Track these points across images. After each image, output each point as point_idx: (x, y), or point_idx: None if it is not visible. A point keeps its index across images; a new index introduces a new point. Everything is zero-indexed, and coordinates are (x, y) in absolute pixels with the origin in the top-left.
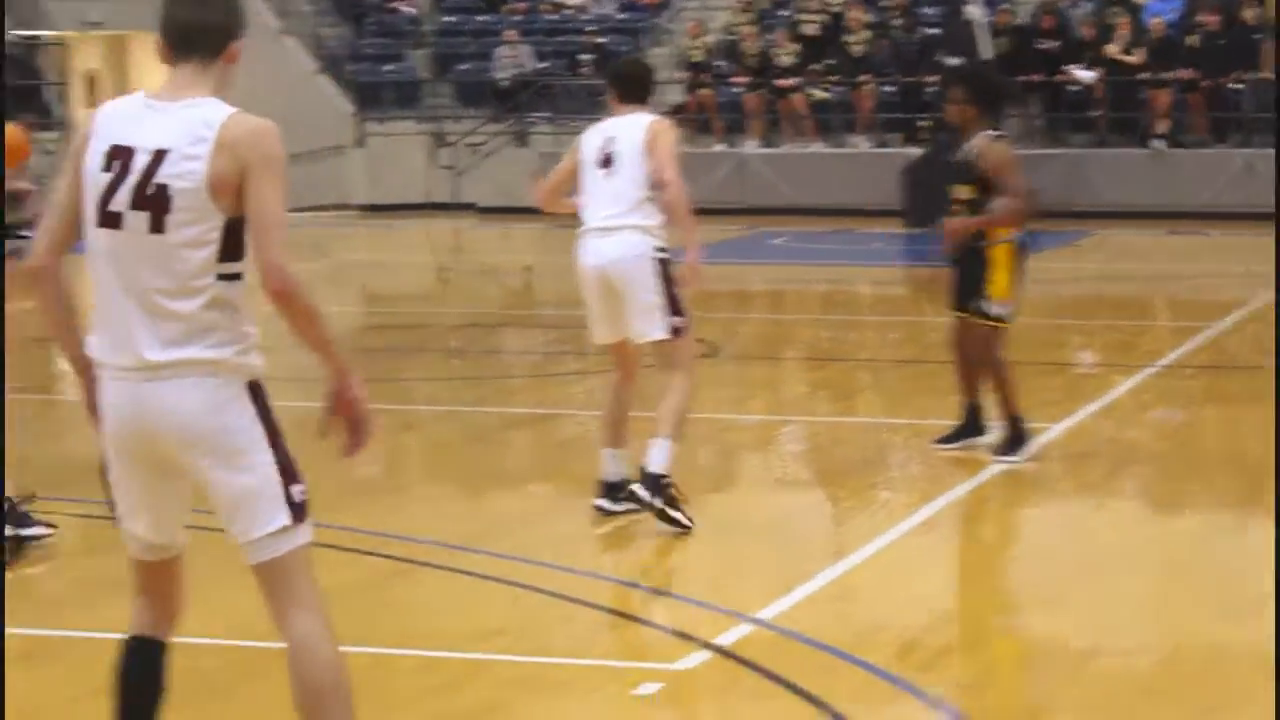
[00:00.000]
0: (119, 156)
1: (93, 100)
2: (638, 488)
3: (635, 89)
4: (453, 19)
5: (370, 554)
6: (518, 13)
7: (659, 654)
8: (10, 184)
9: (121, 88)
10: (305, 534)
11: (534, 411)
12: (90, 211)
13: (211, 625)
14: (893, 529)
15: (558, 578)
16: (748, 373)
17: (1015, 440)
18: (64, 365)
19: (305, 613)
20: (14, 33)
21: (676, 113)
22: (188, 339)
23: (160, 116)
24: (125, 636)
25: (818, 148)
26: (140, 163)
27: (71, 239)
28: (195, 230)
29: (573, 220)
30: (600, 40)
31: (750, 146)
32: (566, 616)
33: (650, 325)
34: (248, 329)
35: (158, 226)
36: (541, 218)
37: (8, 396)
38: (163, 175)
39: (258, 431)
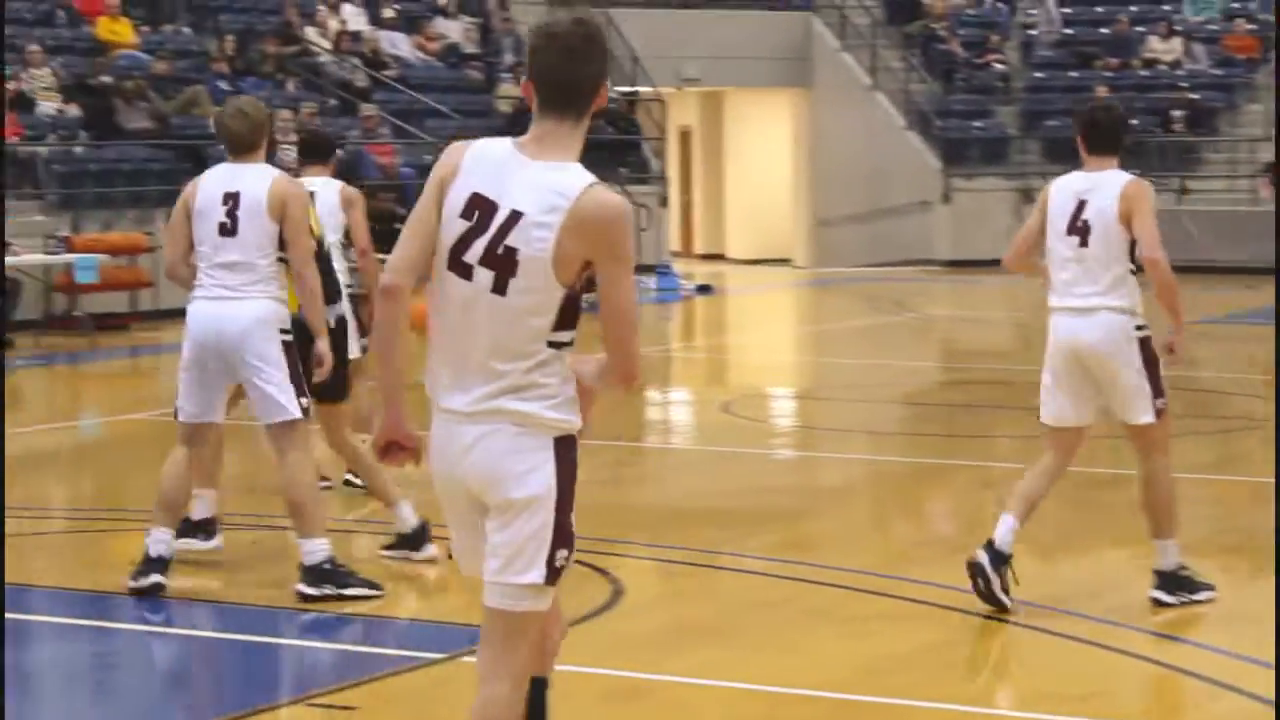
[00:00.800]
0: (479, 206)
1: (687, 155)
2: (1159, 593)
3: (1106, 139)
4: (1042, 75)
5: (958, 610)
6: (1109, 69)
7: None
8: None
9: (715, 142)
10: (549, 598)
11: (1118, 472)
12: (444, 253)
13: (804, 676)
14: None
15: (1148, 642)
16: None
17: None
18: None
19: (508, 677)
20: (615, 89)
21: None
22: (506, 392)
23: (523, 173)
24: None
25: None
26: (498, 219)
27: (426, 267)
28: (534, 298)
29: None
30: (1193, 96)
31: None
32: (1164, 683)
33: (1136, 408)
34: (566, 387)
35: (500, 288)
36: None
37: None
38: (513, 239)
39: (550, 486)
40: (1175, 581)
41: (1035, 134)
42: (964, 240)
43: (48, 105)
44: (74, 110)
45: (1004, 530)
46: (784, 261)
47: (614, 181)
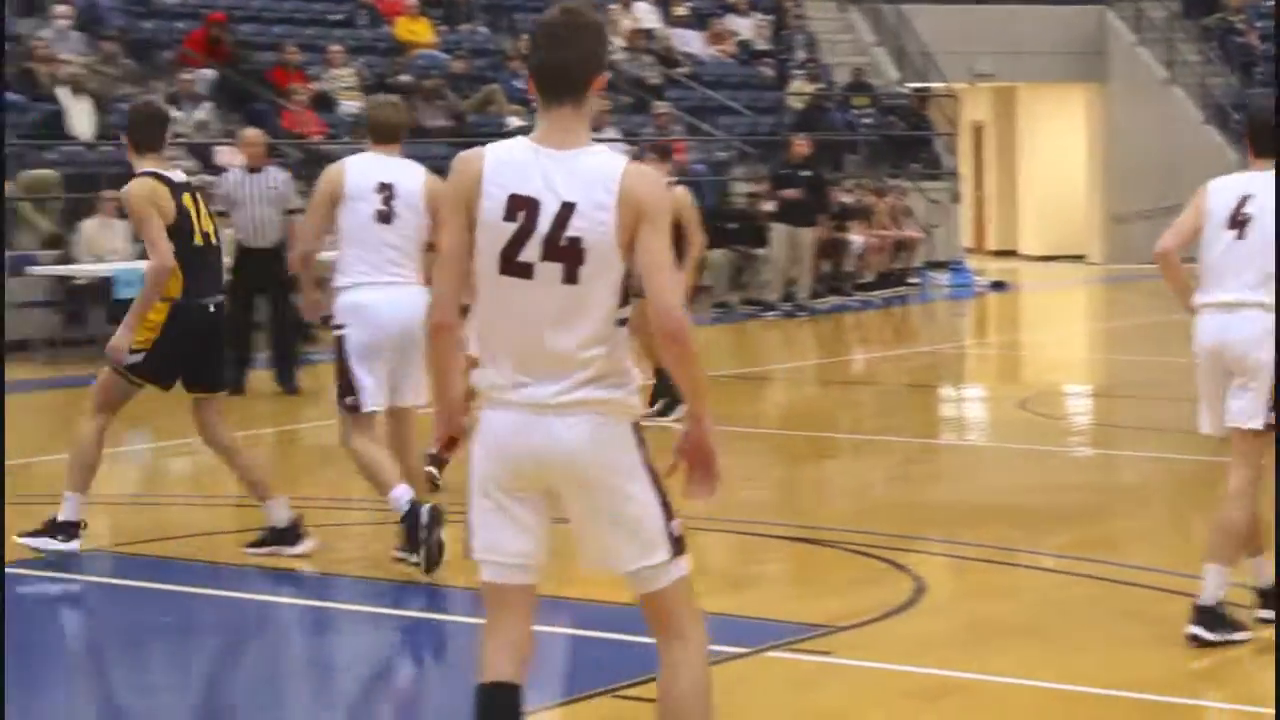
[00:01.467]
0: (523, 207)
1: (979, 151)
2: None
3: (1267, 139)
4: None
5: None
6: None
7: None
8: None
9: (1008, 137)
10: (683, 566)
11: None
12: (491, 259)
13: (1118, 676)
14: None
15: None
16: None
17: None
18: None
19: (680, 641)
20: (908, 85)
21: None
22: (587, 381)
23: (556, 166)
24: (483, 683)
25: None
26: (548, 214)
27: (465, 289)
28: (604, 281)
29: None
30: None
31: None
32: None
33: (1249, 412)
34: (633, 371)
35: (571, 277)
36: None
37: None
38: (574, 228)
39: (642, 468)
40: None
41: None
42: None
43: (349, 105)
44: None
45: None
46: (1078, 258)
47: (905, 177)
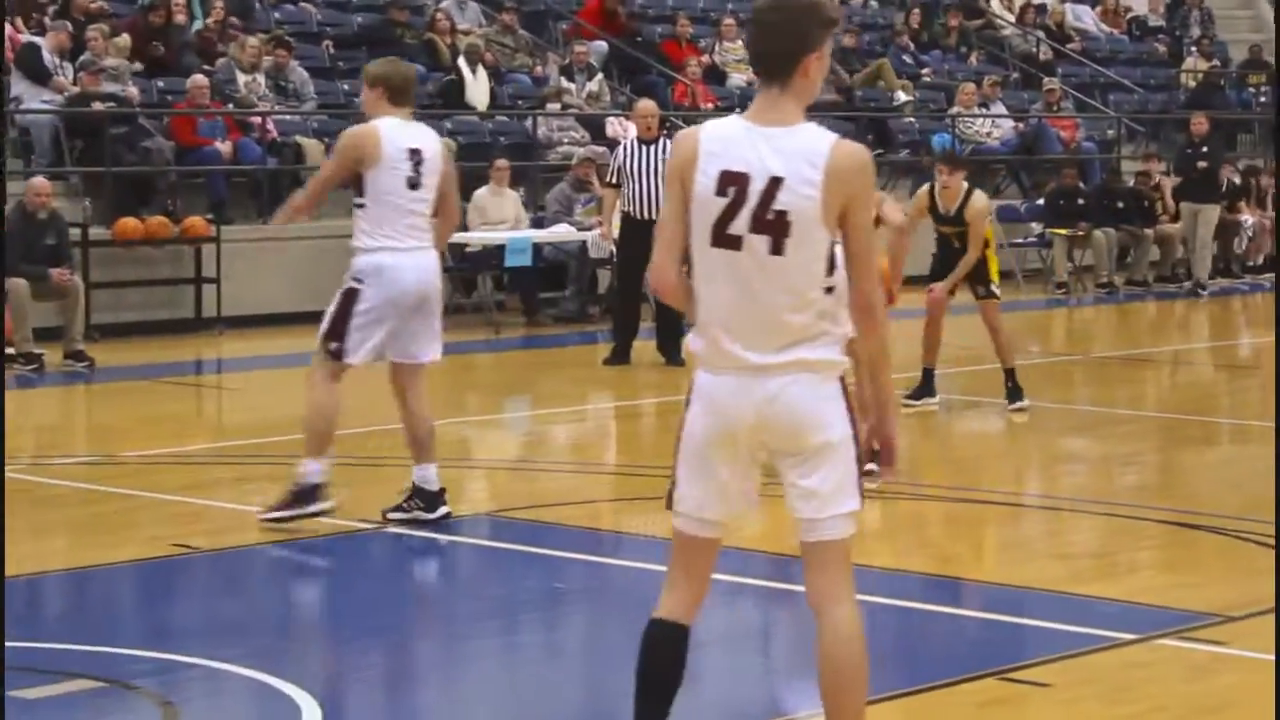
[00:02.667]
0: (734, 182)
1: None
2: None
3: None
4: None
5: None
6: None
7: None
8: None
9: None
10: (855, 525)
11: None
12: (704, 232)
13: None
14: None
15: None
16: None
17: None
18: None
19: (848, 598)
20: None
21: None
22: (799, 343)
23: (766, 143)
24: (654, 617)
25: None
26: (757, 189)
27: (682, 253)
28: (809, 252)
29: None
30: None
31: None
32: None
33: None
34: (842, 329)
35: (777, 249)
36: None
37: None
38: (781, 202)
39: (848, 423)
40: None
41: None
42: None
43: (739, 77)
44: None
45: None
46: None
47: None
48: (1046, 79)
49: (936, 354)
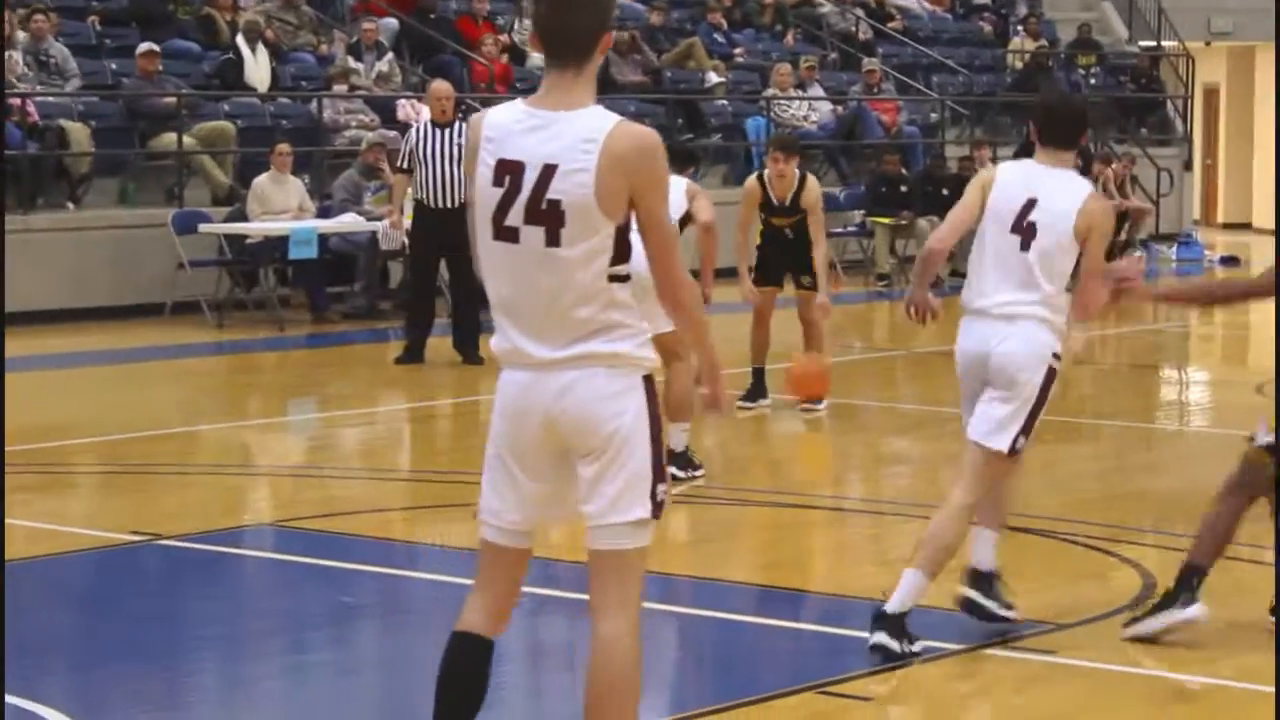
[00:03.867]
0: (509, 171)
1: (1212, 116)
2: None
3: None
4: None
5: None
6: None
7: None
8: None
9: (1245, 102)
10: (650, 533)
11: None
12: (485, 225)
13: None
14: None
15: None
16: None
17: None
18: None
19: (621, 614)
20: (1137, 44)
21: None
22: (588, 337)
23: (545, 129)
24: (455, 630)
25: None
26: (530, 178)
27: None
28: (589, 242)
29: None
30: None
31: None
32: None
33: None
34: (643, 324)
35: (554, 240)
36: None
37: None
38: (554, 191)
39: (644, 423)
40: None
41: None
42: None
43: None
44: None
45: None
46: None
47: (1133, 143)
48: (866, 60)
49: (765, 353)
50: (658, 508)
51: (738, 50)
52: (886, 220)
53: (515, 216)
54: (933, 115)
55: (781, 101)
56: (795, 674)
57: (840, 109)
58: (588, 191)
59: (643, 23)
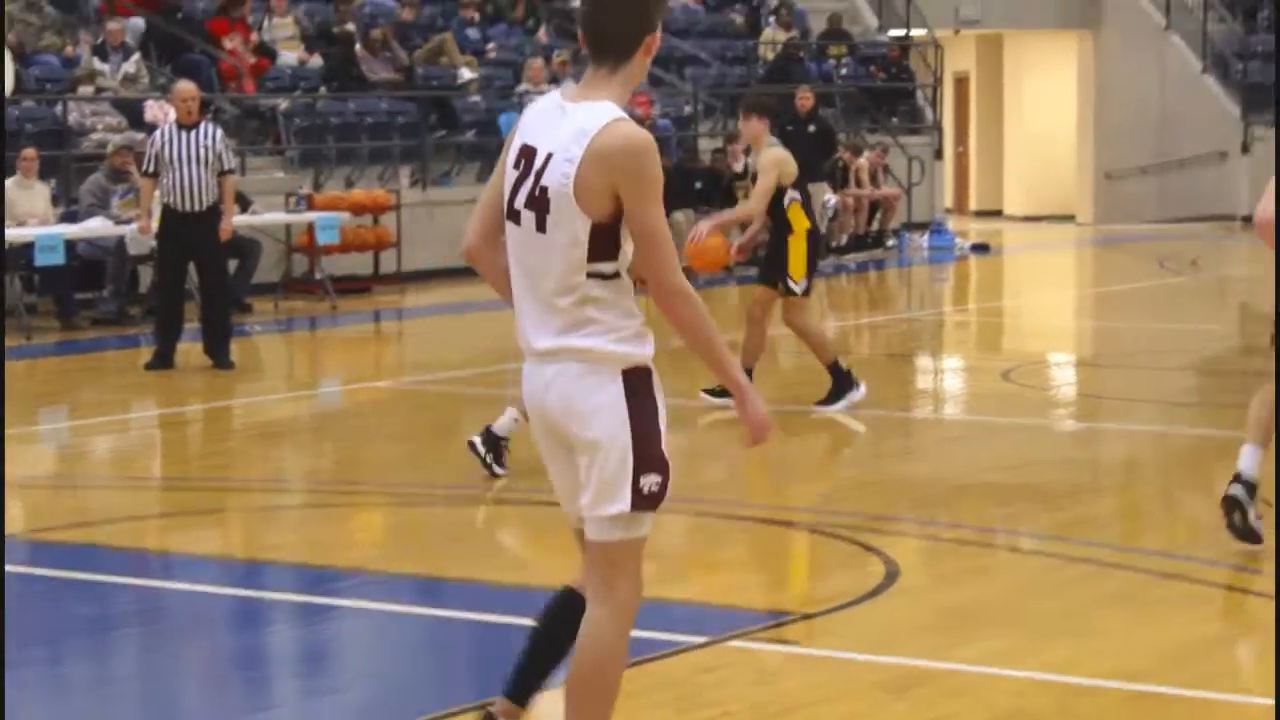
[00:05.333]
0: (526, 156)
1: (963, 104)
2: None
3: None
4: None
5: (1259, 595)
6: None
7: None
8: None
9: (994, 89)
10: (641, 526)
11: None
12: (505, 205)
13: (1099, 664)
14: None
15: None
16: None
17: None
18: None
19: (604, 602)
20: (887, 33)
21: None
22: (568, 330)
23: (563, 119)
24: (564, 586)
25: None
26: (537, 164)
27: (500, 227)
28: (566, 233)
29: None
30: None
31: None
32: None
33: None
34: (625, 321)
35: (541, 226)
36: None
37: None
38: (545, 177)
39: (619, 418)
40: None
41: None
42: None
43: (289, 55)
44: (316, 61)
45: (1247, 459)
46: (1067, 218)
47: (884, 132)
48: None
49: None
50: (644, 500)
51: (490, 46)
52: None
53: (520, 200)
54: (686, 108)
55: (535, 96)
56: None
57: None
58: (567, 183)
59: (393, 19)
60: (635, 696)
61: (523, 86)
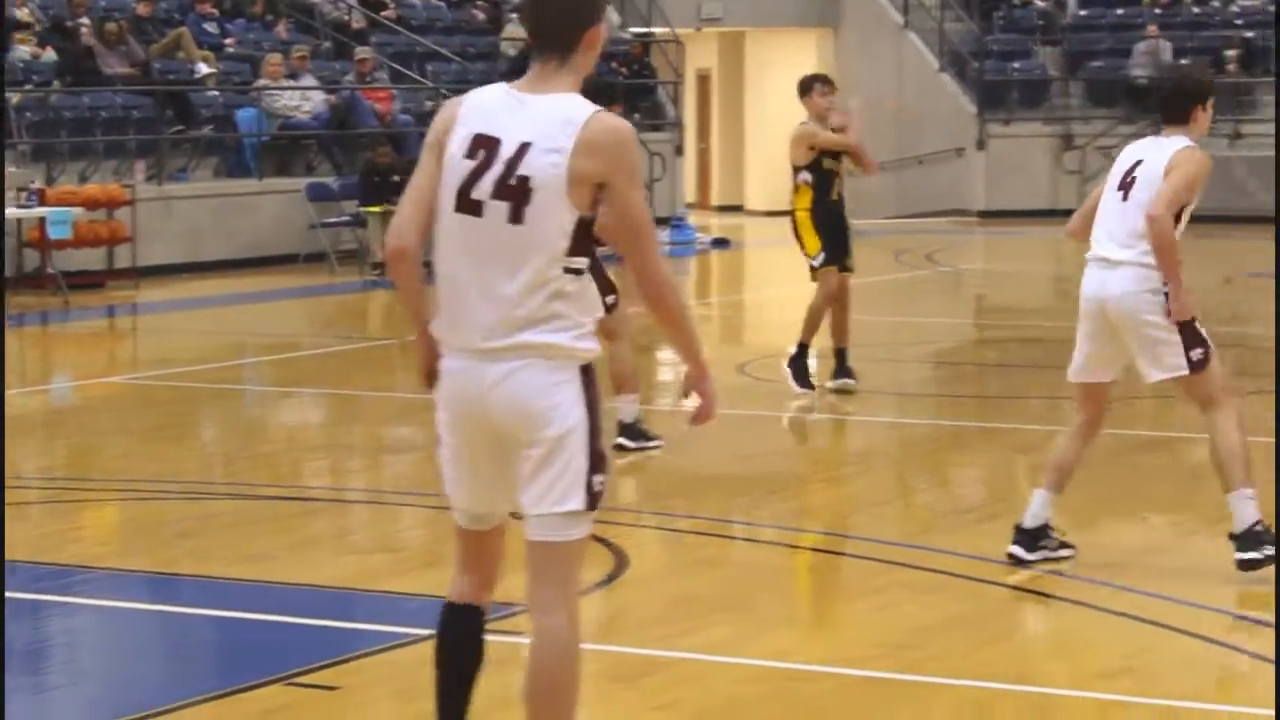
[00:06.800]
0: (483, 145)
1: (705, 100)
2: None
3: (1168, 107)
4: (1086, 12)
5: (984, 582)
6: (1159, 5)
7: None
8: None
9: (736, 86)
10: (588, 526)
11: (1159, 434)
12: (449, 197)
13: (821, 651)
14: None
15: (1184, 613)
16: None
17: None
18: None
19: (560, 607)
20: (629, 30)
21: None
22: (529, 326)
23: (523, 110)
24: (447, 601)
25: None
26: (505, 153)
27: (430, 223)
28: (550, 224)
29: (1206, 230)
30: (1248, 35)
31: None
32: (1195, 657)
33: (1167, 363)
34: (585, 318)
35: (517, 217)
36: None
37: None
38: (525, 167)
39: (579, 414)
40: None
41: (1079, 76)
42: (1000, 189)
43: (23, 50)
44: (50, 55)
45: (1035, 505)
46: None
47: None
48: (360, 48)
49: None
50: (594, 499)
51: (228, 40)
52: (378, 209)
53: (483, 190)
54: (428, 104)
55: (273, 92)
56: (259, 667)
57: (333, 99)
58: (560, 171)
59: (129, 14)
60: (360, 690)
61: (261, 82)
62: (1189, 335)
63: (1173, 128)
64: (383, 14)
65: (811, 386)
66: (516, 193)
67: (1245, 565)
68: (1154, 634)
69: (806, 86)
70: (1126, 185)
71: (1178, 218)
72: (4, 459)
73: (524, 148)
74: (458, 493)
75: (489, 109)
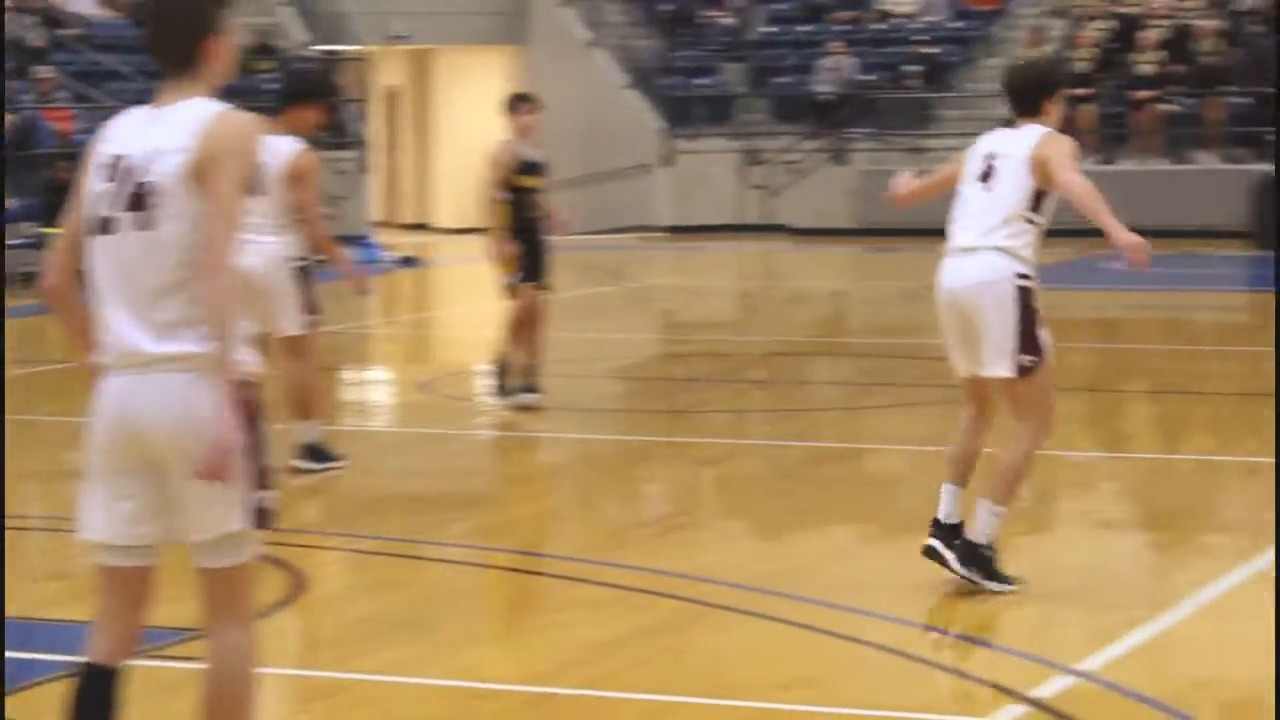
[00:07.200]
0: (114, 164)
1: (393, 118)
2: (952, 560)
3: (1019, 102)
4: (772, 29)
5: (667, 596)
6: (843, 22)
7: (974, 707)
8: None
9: (424, 103)
10: (256, 546)
11: (844, 446)
12: (91, 221)
13: (500, 669)
14: (1222, 577)
15: (864, 624)
16: (1074, 406)
17: None
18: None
19: (235, 627)
20: (317, 47)
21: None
22: (175, 333)
23: (155, 123)
24: (85, 661)
25: (1159, 164)
26: (131, 165)
27: (79, 256)
28: (179, 225)
29: (889, 244)
30: (929, 50)
31: (1086, 164)
32: (874, 666)
33: (996, 360)
34: (236, 325)
35: (148, 224)
36: (857, 240)
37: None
38: (151, 174)
39: (236, 429)
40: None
41: (764, 92)
42: (686, 205)
43: None
44: None
45: (946, 501)
46: None
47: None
48: (39, 68)
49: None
50: (259, 517)
51: None
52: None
53: (114, 206)
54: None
55: None
56: None
57: (12, 118)
58: (180, 169)
59: None
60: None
61: None
62: (1027, 341)
63: (1025, 119)
64: (64, 32)
65: (517, 398)
66: (142, 200)
67: (929, 553)
68: (833, 644)
69: (511, 104)
70: (986, 176)
71: (1044, 200)
72: (3, 457)
73: (150, 156)
74: (105, 521)
75: (125, 128)
